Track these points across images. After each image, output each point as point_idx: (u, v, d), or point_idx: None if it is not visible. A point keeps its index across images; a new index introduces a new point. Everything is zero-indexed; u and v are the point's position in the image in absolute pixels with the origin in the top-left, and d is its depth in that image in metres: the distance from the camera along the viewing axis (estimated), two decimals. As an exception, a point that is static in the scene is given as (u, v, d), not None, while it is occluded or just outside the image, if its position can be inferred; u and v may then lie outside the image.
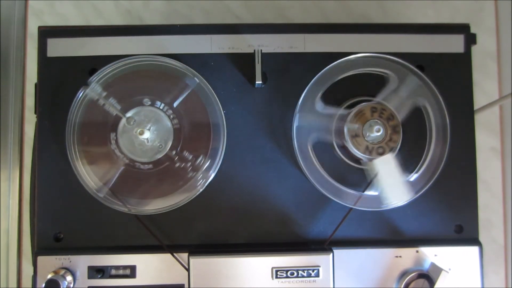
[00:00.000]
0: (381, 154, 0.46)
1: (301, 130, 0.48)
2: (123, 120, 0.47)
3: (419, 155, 0.49)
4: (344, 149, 0.49)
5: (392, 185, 0.47)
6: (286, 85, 0.50)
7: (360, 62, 0.49)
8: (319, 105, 0.48)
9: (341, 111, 0.48)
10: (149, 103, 0.48)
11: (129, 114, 0.47)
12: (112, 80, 0.48)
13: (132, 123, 0.47)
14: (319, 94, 0.48)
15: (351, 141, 0.46)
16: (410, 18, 0.67)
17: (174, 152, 0.47)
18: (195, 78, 0.48)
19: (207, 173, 0.47)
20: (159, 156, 0.47)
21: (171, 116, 0.48)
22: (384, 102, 0.47)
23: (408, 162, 0.50)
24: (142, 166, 0.48)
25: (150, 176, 0.48)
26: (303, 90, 0.48)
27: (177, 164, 0.47)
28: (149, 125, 0.47)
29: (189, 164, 0.47)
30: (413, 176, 0.49)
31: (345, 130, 0.47)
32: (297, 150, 0.48)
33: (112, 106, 0.46)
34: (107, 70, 0.48)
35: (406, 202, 0.47)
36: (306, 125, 0.48)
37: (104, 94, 0.47)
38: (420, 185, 0.48)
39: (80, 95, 0.48)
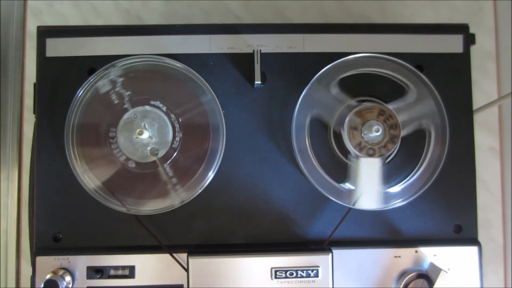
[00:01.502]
0: (370, 155, 0.46)
1: (307, 99, 0.47)
2: (128, 114, 0.47)
3: (419, 155, 0.49)
4: (338, 138, 0.49)
5: (368, 190, 0.47)
6: (285, 85, 0.50)
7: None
8: (334, 88, 0.48)
9: (352, 101, 0.48)
10: (160, 106, 0.48)
11: (136, 110, 0.47)
12: (128, 73, 0.48)
13: (136, 118, 0.47)
14: (337, 79, 0.48)
15: (348, 131, 0.46)
16: (409, 18, 0.68)
17: (165, 161, 0.47)
18: (208, 94, 0.47)
19: (184, 194, 0.47)
20: (147, 161, 0.47)
21: (176, 128, 0.47)
22: (393, 111, 0.46)
23: (407, 163, 0.50)
24: (129, 164, 0.47)
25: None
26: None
27: (163, 172, 0.47)
28: (150, 127, 0.47)
29: (173, 179, 0.47)
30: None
31: (347, 119, 0.46)
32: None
33: (122, 96, 0.46)
34: (128, 61, 0.48)
35: (376, 208, 0.47)
36: (315, 97, 0.48)
37: (121, 80, 0.47)
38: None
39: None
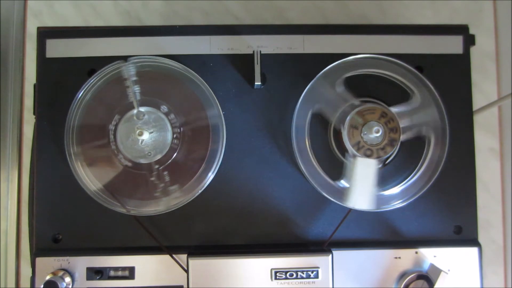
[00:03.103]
0: (368, 156, 0.46)
1: (311, 93, 0.47)
2: (133, 112, 0.47)
3: (419, 155, 0.49)
4: (337, 136, 0.49)
5: (361, 190, 0.47)
6: (285, 86, 0.50)
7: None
8: (339, 86, 0.48)
9: (356, 101, 0.48)
10: (166, 110, 0.48)
11: (142, 109, 0.47)
12: (143, 72, 0.48)
13: (141, 117, 0.47)
14: (343, 77, 0.48)
15: (348, 130, 0.46)
16: (409, 19, 0.68)
17: (156, 166, 0.47)
18: (216, 111, 0.48)
19: (173, 200, 0.47)
20: (142, 161, 0.47)
21: (175, 135, 0.47)
22: (395, 114, 0.46)
23: (407, 163, 0.50)
24: (122, 160, 0.47)
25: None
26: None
27: (152, 178, 0.47)
28: (151, 130, 0.47)
29: (162, 185, 0.47)
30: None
31: (349, 117, 0.46)
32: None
33: (133, 93, 0.46)
34: (142, 59, 0.48)
35: (367, 209, 0.47)
36: (320, 92, 0.48)
37: (134, 78, 0.47)
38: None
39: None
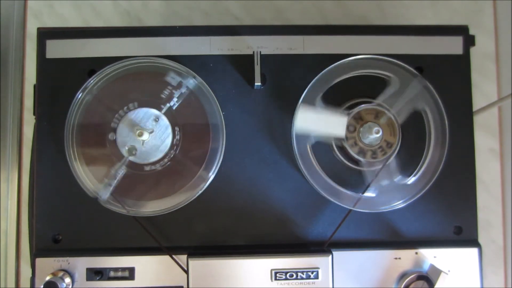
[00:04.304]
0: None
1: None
2: (143, 110, 0.47)
3: (419, 156, 0.49)
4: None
5: (315, 120, 0.47)
6: (285, 86, 0.50)
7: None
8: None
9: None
10: (166, 111, 0.48)
11: (143, 109, 0.47)
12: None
13: (147, 117, 0.47)
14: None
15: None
16: (408, 20, 0.68)
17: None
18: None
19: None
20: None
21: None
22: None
23: (407, 164, 0.50)
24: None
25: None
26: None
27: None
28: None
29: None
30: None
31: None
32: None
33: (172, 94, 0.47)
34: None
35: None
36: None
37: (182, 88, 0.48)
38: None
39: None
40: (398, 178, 0.48)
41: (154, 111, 0.48)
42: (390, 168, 0.48)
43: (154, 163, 0.48)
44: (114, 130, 0.47)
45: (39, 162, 0.49)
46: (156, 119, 0.48)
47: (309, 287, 0.45)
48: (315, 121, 0.47)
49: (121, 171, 0.46)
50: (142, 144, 0.47)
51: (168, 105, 0.48)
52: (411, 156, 0.50)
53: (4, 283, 0.63)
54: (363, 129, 0.46)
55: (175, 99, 0.47)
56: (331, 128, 0.47)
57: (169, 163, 0.48)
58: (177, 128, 0.48)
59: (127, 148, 0.47)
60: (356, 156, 0.47)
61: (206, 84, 0.48)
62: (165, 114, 0.48)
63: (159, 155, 0.47)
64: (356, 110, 0.47)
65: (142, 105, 0.48)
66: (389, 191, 0.47)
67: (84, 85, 0.48)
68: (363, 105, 0.48)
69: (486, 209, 0.66)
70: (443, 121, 0.49)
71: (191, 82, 0.48)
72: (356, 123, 0.47)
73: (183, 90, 0.47)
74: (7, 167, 0.65)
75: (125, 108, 0.47)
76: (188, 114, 0.48)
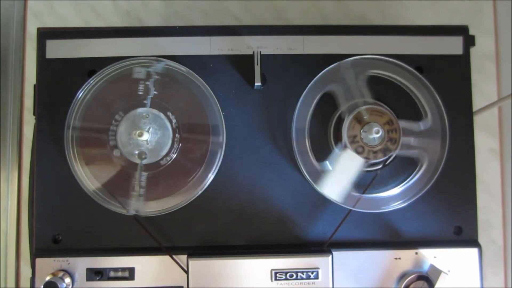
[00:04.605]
0: (358, 153, 0.46)
1: (331, 73, 0.47)
2: (142, 109, 0.47)
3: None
4: (338, 126, 0.49)
5: (338, 178, 0.46)
6: (285, 86, 0.50)
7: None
8: (362, 80, 0.48)
9: (371, 99, 0.48)
10: (166, 111, 0.48)
11: (144, 110, 0.47)
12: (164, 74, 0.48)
13: (147, 116, 0.47)
14: (367, 73, 0.48)
15: (351, 121, 0.46)
16: (408, 20, 0.68)
17: (157, 167, 0.47)
18: (216, 111, 0.48)
19: (173, 200, 0.47)
20: (132, 159, 0.47)
21: (175, 136, 0.47)
22: (400, 127, 0.46)
23: (407, 164, 0.50)
24: (122, 161, 0.47)
25: (149, 177, 0.48)
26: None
27: (153, 179, 0.47)
28: (152, 130, 0.47)
29: (162, 185, 0.47)
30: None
31: (357, 109, 0.46)
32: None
33: (148, 92, 0.47)
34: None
35: (335, 199, 0.47)
36: (343, 75, 0.47)
37: (157, 78, 0.47)
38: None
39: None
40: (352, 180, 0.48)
41: (140, 110, 0.47)
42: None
43: (167, 154, 0.47)
44: (115, 147, 0.47)
45: (39, 162, 0.49)
46: (147, 115, 0.47)
47: (309, 287, 0.45)
48: (338, 178, 0.47)
49: (143, 178, 0.47)
50: (147, 143, 0.47)
51: (149, 97, 0.47)
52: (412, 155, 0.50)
53: (4, 283, 0.63)
54: (363, 129, 0.46)
55: (151, 89, 0.47)
56: (350, 168, 0.47)
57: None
58: (169, 113, 0.48)
59: (136, 155, 0.47)
60: (344, 136, 0.47)
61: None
62: (151, 106, 0.48)
63: (168, 142, 0.47)
64: (356, 110, 0.47)
65: (127, 110, 0.47)
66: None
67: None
68: (389, 111, 0.48)
69: (486, 209, 0.66)
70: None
71: (158, 66, 0.47)
72: (371, 116, 0.47)
73: (154, 77, 0.47)
74: (7, 167, 0.65)
75: (114, 122, 0.47)
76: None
